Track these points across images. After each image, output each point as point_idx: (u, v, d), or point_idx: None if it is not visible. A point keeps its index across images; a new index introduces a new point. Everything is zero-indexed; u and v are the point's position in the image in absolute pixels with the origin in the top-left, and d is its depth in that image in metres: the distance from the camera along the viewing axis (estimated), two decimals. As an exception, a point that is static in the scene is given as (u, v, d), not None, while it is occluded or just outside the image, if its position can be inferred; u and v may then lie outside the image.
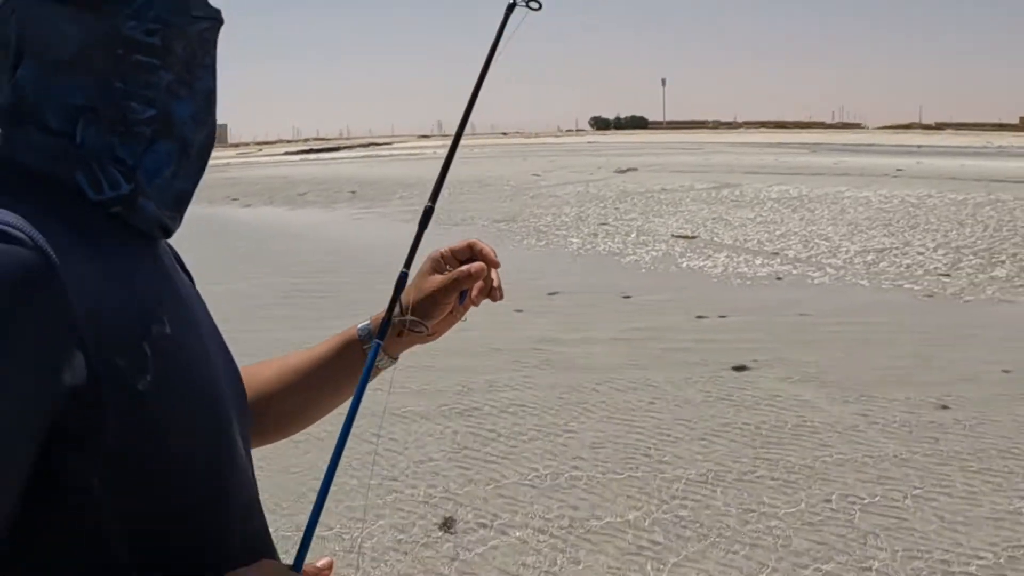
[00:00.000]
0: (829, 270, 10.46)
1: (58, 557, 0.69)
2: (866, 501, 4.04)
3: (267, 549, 0.85)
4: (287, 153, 71.94)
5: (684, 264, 11.08)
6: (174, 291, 0.80)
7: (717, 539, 3.71)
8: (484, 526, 3.90)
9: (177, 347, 0.74)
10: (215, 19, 0.80)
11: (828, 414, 5.24)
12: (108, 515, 0.69)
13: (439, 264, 1.05)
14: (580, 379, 6.03)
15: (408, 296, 1.03)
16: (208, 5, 0.80)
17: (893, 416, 5.19)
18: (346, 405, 0.98)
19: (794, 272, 10.37)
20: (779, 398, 5.53)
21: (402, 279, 1.02)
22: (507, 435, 5.02)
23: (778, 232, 13.57)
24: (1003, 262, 10.82)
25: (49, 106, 0.72)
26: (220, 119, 0.87)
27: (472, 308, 1.07)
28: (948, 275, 10.08)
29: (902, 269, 10.45)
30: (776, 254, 11.64)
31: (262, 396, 1.02)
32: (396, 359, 1.07)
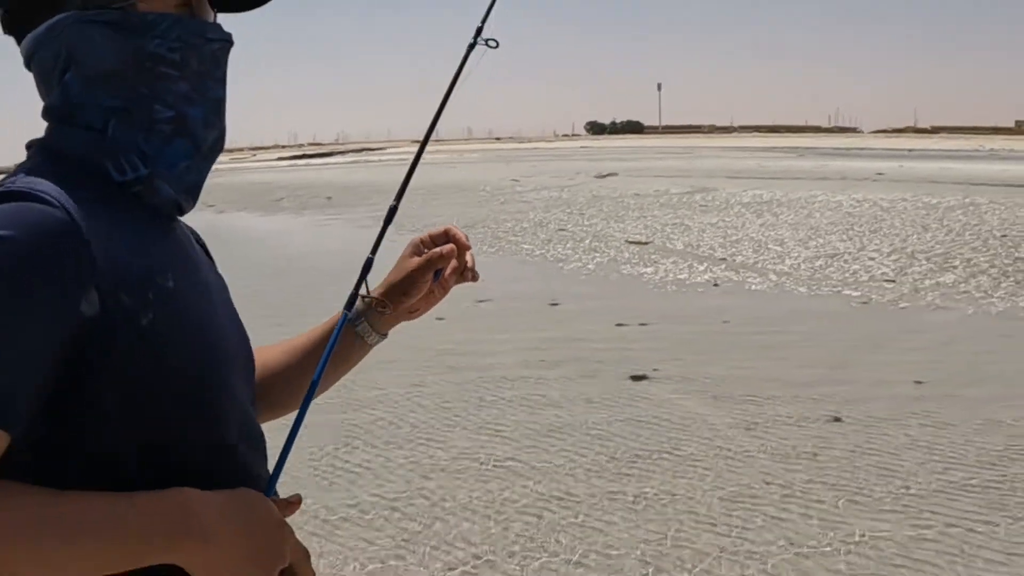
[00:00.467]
0: (771, 276, 10.30)
1: (74, 468, 0.81)
2: (715, 521, 3.89)
3: (258, 484, 0.94)
4: (279, 158, 71.95)
5: (625, 271, 10.93)
6: (184, 258, 0.94)
7: (547, 557, 3.57)
8: (316, 535, 3.78)
9: (179, 297, 0.88)
10: (226, 40, 0.95)
11: (710, 427, 5.08)
12: (120, 433, 0.82)
13: (418, 248, 1.19)
14: (472, 388, 5.90)
15: (390, 276, 1.19)
16: (220, 28, 0.95)
17: (778, 430, 5.04)
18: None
19: (734, 279, 10.21)
20: (664, 410, 5.38)
21: (367, 264, 1.16)
22: (375, 444, 4.89)
23: (734, 237, 13.42)
24: (955, 267, 10.68)
25: (88, 107, 0.89)
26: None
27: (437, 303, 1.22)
28: (893, 280, 9.94)
29: (846, 275, 10.30)
30: (723, 260, 11.49)
31: (269, 374, 1.17)
32: (385, 335, 1.22)
